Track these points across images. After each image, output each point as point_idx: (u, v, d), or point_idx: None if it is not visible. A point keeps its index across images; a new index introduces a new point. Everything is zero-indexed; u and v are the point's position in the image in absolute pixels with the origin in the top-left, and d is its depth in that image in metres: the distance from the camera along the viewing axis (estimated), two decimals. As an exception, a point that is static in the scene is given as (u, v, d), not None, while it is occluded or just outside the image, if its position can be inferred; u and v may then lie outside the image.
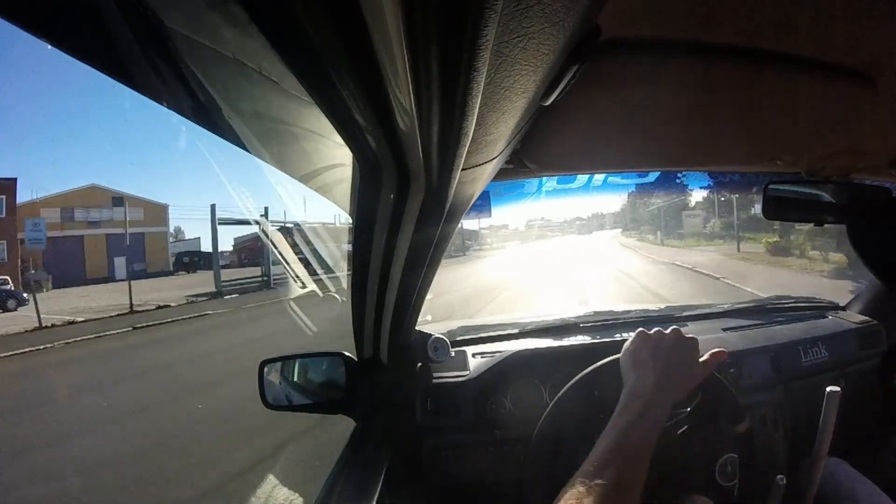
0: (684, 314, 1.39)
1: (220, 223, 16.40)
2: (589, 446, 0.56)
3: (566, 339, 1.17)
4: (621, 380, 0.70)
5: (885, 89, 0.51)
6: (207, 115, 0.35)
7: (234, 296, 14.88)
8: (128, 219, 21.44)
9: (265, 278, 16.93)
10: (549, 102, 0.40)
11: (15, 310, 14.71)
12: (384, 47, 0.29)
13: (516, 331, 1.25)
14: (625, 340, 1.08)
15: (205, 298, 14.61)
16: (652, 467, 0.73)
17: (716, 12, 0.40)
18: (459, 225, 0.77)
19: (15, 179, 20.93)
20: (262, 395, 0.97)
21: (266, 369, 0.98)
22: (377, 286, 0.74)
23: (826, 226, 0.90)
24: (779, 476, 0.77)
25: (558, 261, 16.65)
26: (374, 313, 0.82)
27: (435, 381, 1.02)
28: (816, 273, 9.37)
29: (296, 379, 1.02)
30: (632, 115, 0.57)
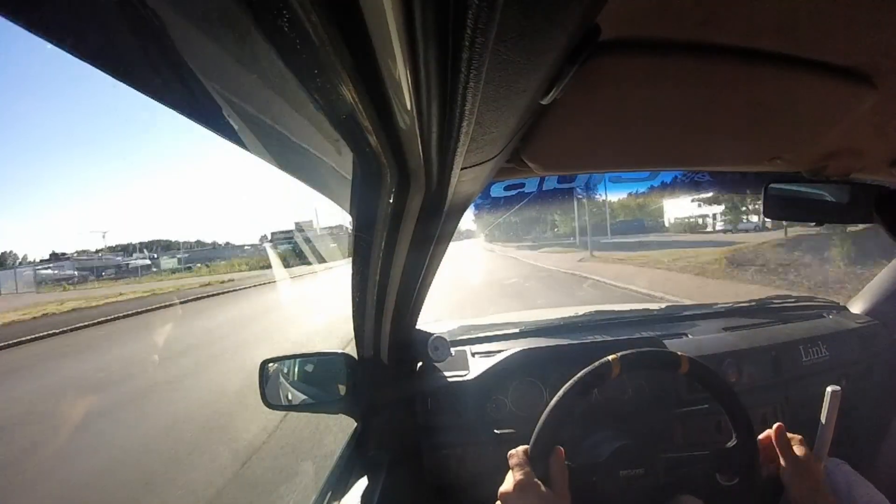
0: (684, 314, 1.39)
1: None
2: (587, 444, 0.55)
3: (566, 338, 1.17)
4: (618, 378, 0.71)
5: (885, 89, 0.51)
6: (207, 115, 0.35)
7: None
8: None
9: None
10: (548, 102, 0.40)
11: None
12: (384, 47, 0.29)
13: (516, 330, 1.25)
14: (625, 340, 1.09)
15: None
16: (650, 466, 0.73)
17: (716, 12, 0.40)
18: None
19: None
20: (262, 394, 0.97)
21: (266, 368, 0.99)
22: (377, 286, 0.74)
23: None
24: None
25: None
26: (374, 313, 0.82)
27: (435, 380, 1.02)
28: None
29: (296, 378, 1.02)
30: (632, 115, 0.57)
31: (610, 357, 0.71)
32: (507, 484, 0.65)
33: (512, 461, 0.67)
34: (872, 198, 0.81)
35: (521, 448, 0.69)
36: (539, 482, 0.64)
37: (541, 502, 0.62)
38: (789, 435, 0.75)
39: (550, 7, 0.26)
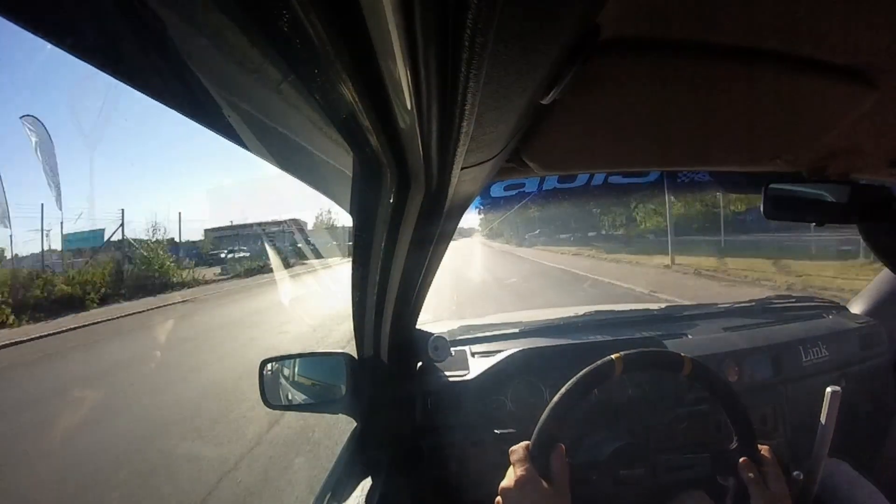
0: (685, 314, 1.39)
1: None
2: (587, 443, 0.56)
3: (566, 338, 1.17)
4: (619, 378, 0.71)
5: (886, 89, 0.51)
6: (208, 115, 0.35)
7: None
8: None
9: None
10: (548, 101, 0.40)
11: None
12: (384, 47, 0.29)
13: (517, 330, 1.25)
14: (625, 340, 1.09)
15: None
16: (650, 466, 0.73)
17: (716, 12, 0.40)
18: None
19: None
20: (262, 394, 0.97)
21: (266, 368, 0.99)
22: (377, 285, 0.74)
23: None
24: (796, 472, 0.76)
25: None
26: (374, 312, 0.82)
27: (435, 380, 1.02)
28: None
29: (296, 378, 1.02)
30: (632, 115, 0.57)
31: (613, 356, 0.71)
32: (508, 479, 0.66)
33: (513, 457, 0.67)
34: (871, 198, 0.81)
35: (522, 444, 0.69)
36: (540, 478, 0.64)
37: (541, 498, 0.63)
38: (759, 445, 0.72)
39: (550, 7, 0.26)
